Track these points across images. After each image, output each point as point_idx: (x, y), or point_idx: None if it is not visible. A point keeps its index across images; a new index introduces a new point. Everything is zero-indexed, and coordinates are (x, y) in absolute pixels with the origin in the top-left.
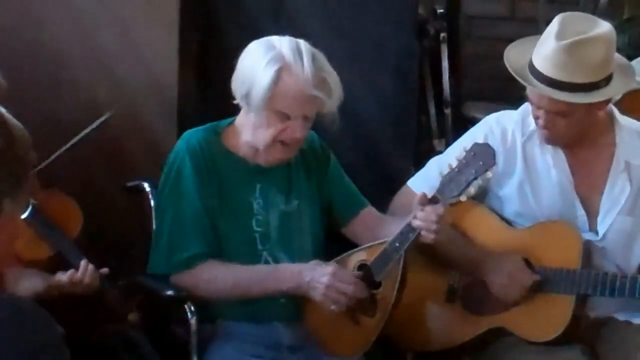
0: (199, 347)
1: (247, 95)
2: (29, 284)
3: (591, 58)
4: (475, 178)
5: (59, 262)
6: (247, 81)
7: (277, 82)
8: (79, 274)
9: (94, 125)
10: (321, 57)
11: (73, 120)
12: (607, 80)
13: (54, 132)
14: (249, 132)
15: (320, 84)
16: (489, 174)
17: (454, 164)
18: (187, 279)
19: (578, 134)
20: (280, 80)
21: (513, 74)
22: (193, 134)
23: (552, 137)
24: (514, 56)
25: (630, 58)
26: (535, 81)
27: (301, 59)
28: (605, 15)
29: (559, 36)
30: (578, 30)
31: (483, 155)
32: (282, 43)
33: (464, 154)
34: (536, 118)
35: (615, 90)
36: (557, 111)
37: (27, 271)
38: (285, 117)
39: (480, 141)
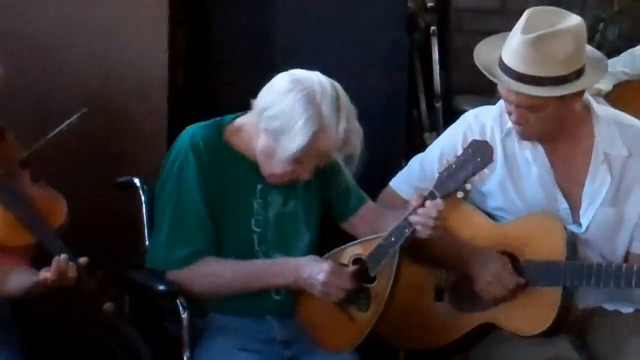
0: (191, 342)
1: (274, 133)
2: (17, 280)
3: (558, 51)
4: (473, 174)
5: (40, 250)
6: (280, 124)
7: (310, 142)
8: (52, 270)
9: (66, 123)
10: (351, 109)
11: (61, 116)
12: (578, 73)
13: (42, 127)
14: (256, 146)
15: (345, 146)
16: (486, 171)
17: (452, 160)
18: (184, 275)
19: (552, 128)
20: (314, 140)
21: (482, 69)
22: (197, 131)
23: (526, 133)
24: (484, 53)
25: (620, 50)
26: (503, 76)
27: (338, 121)
28: (594, 7)
29: (525, 30)
30: (545, 24)
31: (481, 152)
32: (323, 97)
33: (462, 150)
34: (509, 114)
35: (586, 83)
36: (527, 106)
37: (17, 268)
38: (299, 162)
39: (460, 138)
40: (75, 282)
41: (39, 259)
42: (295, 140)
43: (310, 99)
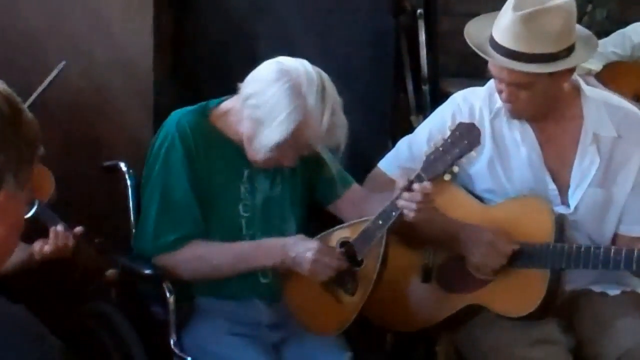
0: (178, 326)
1: (256, 121)
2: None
3: (549, 28)
4: (460, 157)
5: (32, 227)
6: (263, 113)
7: (292, 134)
8: (50, 241)
9: (49, 78)
10: (337, 101)
11: (47, 102)
12: (568, 51)
13: None
14: (241, 129)
15: (329, 138)
16: (474, 154)
17: (439, 143)
18: (171, 259)
19: (542, 106)
20: (296, 132)
21: (473, 47)
22: (183, 116)
23: (516, 111)
24: (474, 31)
25: (609, 32)
26: (494, 53)
27: (322, 113)
28: None
29: (516, 7)
30: (536, 1)
31: (468, 134)
32: (309, 89)
33: (449, 133)
34: (499, 92)
35: (576, 60)
36: (517, 83)
37: None
38: (281, 151)
39: (448, 119)
40: (72, 251)
41: (32, 236)
42: (276, 131)
43: (296, 91)
